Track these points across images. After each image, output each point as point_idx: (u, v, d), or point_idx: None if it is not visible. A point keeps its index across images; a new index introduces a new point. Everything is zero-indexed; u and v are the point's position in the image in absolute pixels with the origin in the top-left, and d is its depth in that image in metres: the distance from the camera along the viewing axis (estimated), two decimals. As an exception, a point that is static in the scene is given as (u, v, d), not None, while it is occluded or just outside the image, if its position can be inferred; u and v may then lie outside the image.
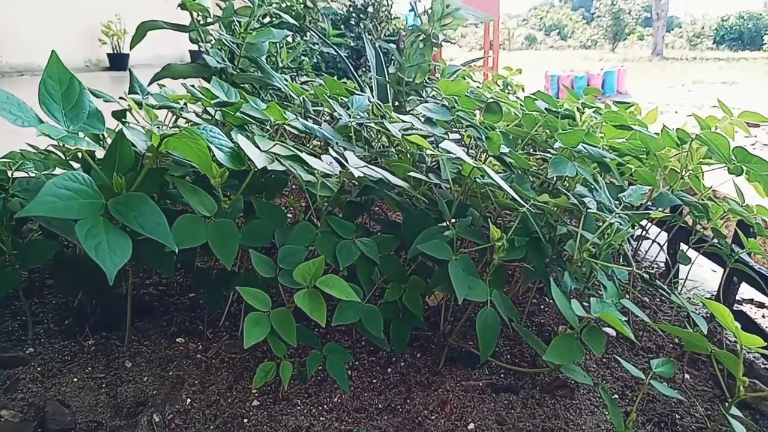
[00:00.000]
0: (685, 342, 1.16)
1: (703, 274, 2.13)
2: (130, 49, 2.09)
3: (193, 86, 2.20)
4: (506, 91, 4.51)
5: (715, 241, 1.63)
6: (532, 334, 1.29)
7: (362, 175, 1.21)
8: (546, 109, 1.64)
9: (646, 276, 1.23)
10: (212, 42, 2.26)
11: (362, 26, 6.92)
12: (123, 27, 6.79)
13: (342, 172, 1.27)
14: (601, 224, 1.27)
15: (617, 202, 1.32)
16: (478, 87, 4.31)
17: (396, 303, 1.32)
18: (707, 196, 1.67)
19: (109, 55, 7.34)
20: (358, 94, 1.82)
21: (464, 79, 4.26)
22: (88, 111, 1.22)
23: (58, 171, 1.48)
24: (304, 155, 1.27)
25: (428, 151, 1.22)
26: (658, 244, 1.88)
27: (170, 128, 1.60)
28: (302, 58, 3.92)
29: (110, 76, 7.40)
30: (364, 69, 5.10)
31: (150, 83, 1.97)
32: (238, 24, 2.23)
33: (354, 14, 7.24)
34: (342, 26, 6.96)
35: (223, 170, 1.27)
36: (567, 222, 1.48)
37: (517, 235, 1.25)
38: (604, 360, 1.53)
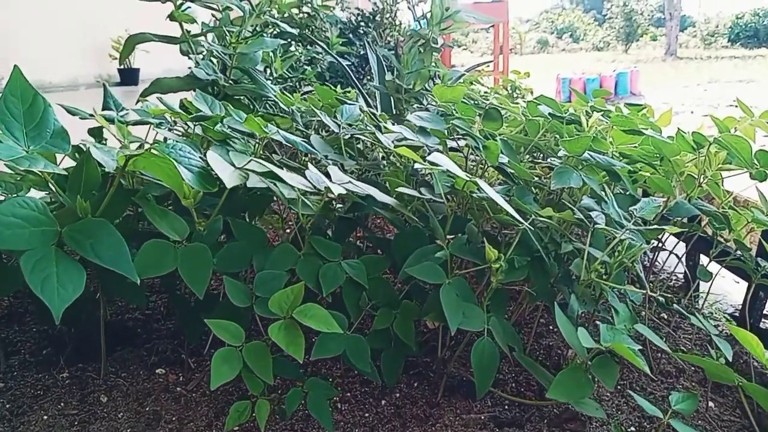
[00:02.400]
0: (708, 372, 1.03)
1: (725, 286, 1.98)
2: (119, 63, 2.02)
3: (183, 100, 2.11)
4: (514, 95, 4.39)
5: (738, 253, 1.50)
6: (536, 364, 1.17)
7: (344, 192, 1.11)
8: (550, 114, 1.52)
9: (662, 299, 1.11)
10: (204, 53, 2.17)
11: (366, 35, 6.87)
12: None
13: (327, 188, 1.17)
14: (611, 240, 1.15)
15: (628, 215, 1.19)
16: (485, 92, 4.20)
17: (387, 331, 1.21)
18: (728, 203, 1.53)
19: (119, 70, 7.31)
20: (349, 103, 1.71)
21: (471, 84, 4.14)
22: (53, 130, 1.13)
23: (33, 193, 1.40)
24: (282, 171, 1.16)
25: (417, 165, 1.11)
26: (676, 255, 1.75)
27: (151, 146, 1.51)
28: (305, 67, 3.83)
29: (121, 91, 7.39)
30: (369, 77, 5.02)
31: (138, 100, 1.89)
32: (228, 34, 2.14)
33: (363, 23, 7.19)
34: (351, 35, 6.91)
35: (197, 190, 1.17)
36: (576, 237, 1.36)
37: (518, 255, 1.13)
38: (619, 387, 1.40)
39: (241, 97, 2.04)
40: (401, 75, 2.22)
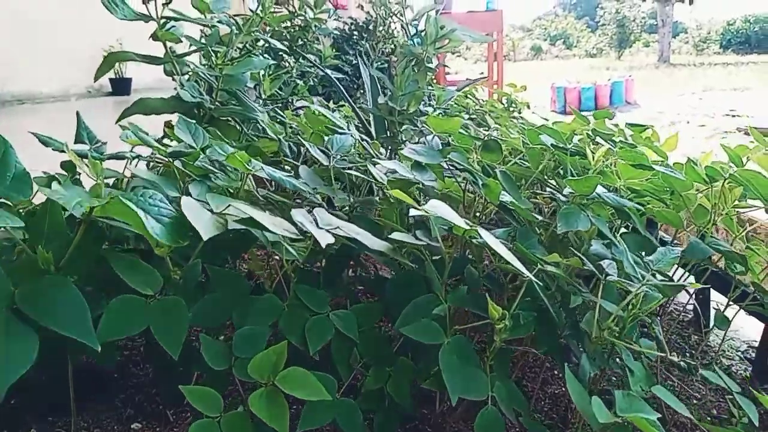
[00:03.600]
0: (734, 443, 0.94)
1: (737, 321, 1.88)
2: (95, 81, 1.92)
3: (169, 121, 2.00)
4: (510, 108, 4.31)
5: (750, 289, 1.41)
6: (545, 429, 1.07)
7: (332, 241, 1.01)
8: (552, 145, 1.43)
9: (684, 365, 1.01)
10: (189, 74, 2.07)
11: (360, 46, 6.81)
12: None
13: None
14: (624, 291, 1.05)
15: (640, 260, 1.10)
16: (480, 107, 4.12)
17: (380, 389, 1.11)
18: (743, 239, 1.45)
19: (111, 80, 7.11)
20: (340, 132, 1.62)
21: (466, 98, 4.06)
22: (13, 173, 1.03)
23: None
24: (265, 216, 1.06)
25: (413, 211, 1.01)
26: (686, 290, 1.65)
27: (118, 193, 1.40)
28: (297, 81, 3.74)
29: (113, 102, 7.24)
30: (363, 90, 4.94)
31: (118, 120, 1.78)
32: (215, 55, 2.04)
33: (356, 32, 7.12)
34: (344, 45, 6.84)
35: (170, 238, 1.07)
36: (582, 278, 1.27)
37: (523, 309, 1.03)
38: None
39: (229, 119, 1.95)
40: (394, 97, 2.12)
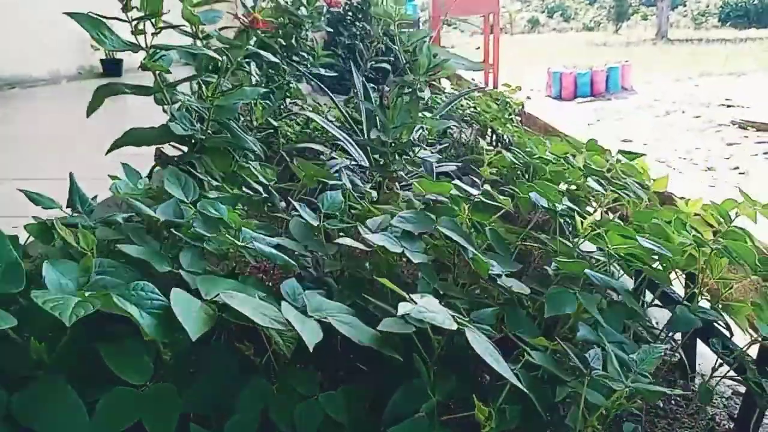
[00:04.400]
0: None
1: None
2: (87, 116, 1.90)
3: (160, 148, 2.00)
4: (504, 109, 4.29)
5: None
6: None
7: (320, 339, 1.02)
8: (543, 206, 1.43)
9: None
10: (180, 103, 2.05)
11: (354, 28, 6.78)
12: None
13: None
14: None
15: (624, 350, 1.12)
16: (474, 108, 4.10)
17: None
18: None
19: (102, 60, 6.95)
20: (333, 184, 1.62)
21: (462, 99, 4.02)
22: (5, 264, 1.03)
23: None
24: (252, 305, 1.07)
25: (402, 307, 1.02)
26: (673, 340, 1.68)
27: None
28: (291, 84, 3.73)
29: (105, 83, 7.02)
30: (356, 90, 4.92)
31: (108, 152, 1.77)
32: (205, 86, 2.02)
33: (351, 12, 7.04)
34: (338, 25, 6.77)
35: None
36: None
37: (509, 403, 1.05)
38: None
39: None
40: (387, 129, 2.12)
